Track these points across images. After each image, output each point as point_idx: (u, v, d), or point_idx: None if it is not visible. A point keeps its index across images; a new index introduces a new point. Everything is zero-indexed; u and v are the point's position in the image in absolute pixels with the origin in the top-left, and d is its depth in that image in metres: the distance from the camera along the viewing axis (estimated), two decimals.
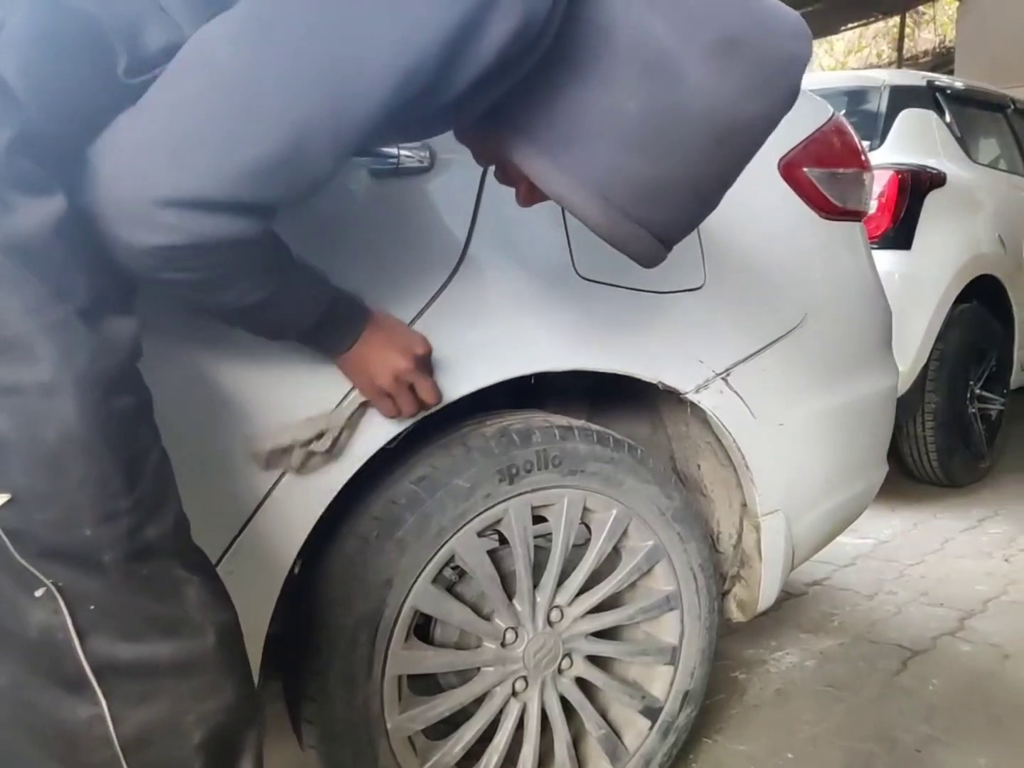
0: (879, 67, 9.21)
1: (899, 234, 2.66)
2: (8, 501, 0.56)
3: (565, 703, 1.22)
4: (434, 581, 1.08)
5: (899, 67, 8.35)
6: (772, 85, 0.70)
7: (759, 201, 1.30)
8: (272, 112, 0.61)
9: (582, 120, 0.67)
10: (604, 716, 1.29)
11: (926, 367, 2.78)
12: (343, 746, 1.03)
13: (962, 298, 2.90)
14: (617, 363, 1.14)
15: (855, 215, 1.46)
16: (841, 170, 1.42)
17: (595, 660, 1.26)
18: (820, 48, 11.53)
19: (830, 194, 1.39)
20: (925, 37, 9.95)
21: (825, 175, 1.39)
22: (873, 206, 2.61)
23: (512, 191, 0.84)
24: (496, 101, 0.69)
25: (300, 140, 0.61)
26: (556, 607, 1.19)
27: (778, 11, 0.71)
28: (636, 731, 1.28)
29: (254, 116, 0.61)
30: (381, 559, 1.02)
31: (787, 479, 1.33)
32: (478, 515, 1.08)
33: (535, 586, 1.17)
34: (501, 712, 1.17)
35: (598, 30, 0.66)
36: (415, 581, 1.05)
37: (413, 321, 0.96)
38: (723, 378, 1.22)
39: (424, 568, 1.05)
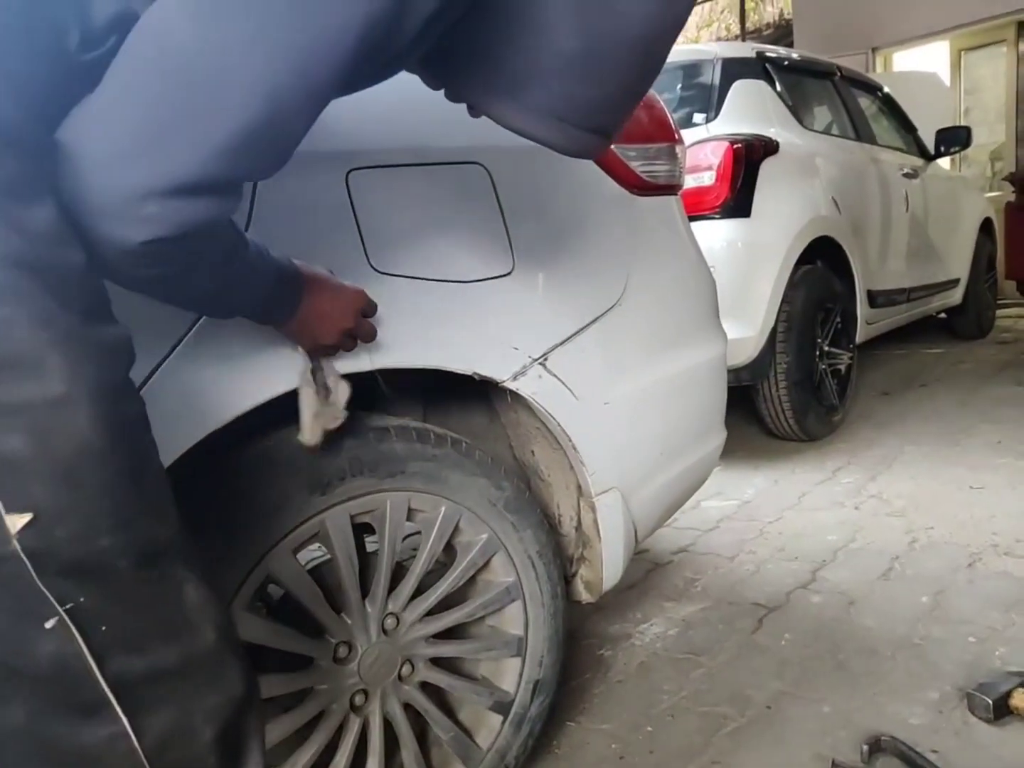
0: (727, 40, 9.54)
1: (738, 203, 2.74)
2: (30, 521, 0.55)
3: (415, 710, 1.19)
4: (250, 607, 1.02)
5: (742, 40, 8.66)
6: None
7: (566, 182, 1.28)
8: (242, 85, 0.59)
9: (533, 63, 0.71)
10: (456, 717, 1.27)
11: (774, 329, 2.89)
12: None
13: (804, 260, 3.02)
14: (426, 358, 1.10)
15: (669, 189, 1.47)
16: (650, 145, 1.43)
17: (440, 662, 1.23)
18: None
19: (640, 170, 1.39)
20: (769, 10, 10.37)
21: (634, 151, 1.39)
22: (710, 177, 2.68)
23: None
24: (452, 56, 0.73)
25: (273, 108, 0.60)
26: (391, 614, 1.15)
27: None
28: (488, 728, 1.26)
29: (224, 92, 0.59)
30: None
31: (618, 457, 1.33)
32: (290, 532, 1.03)
33: (365, 595, 1.13)
34: (341, 729, 1.13)
35: None
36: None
37: (191, 328, 0.89)
38: (541, 363, 1.20)
39: (235, 595, 0.99)
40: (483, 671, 1.29)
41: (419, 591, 1.18)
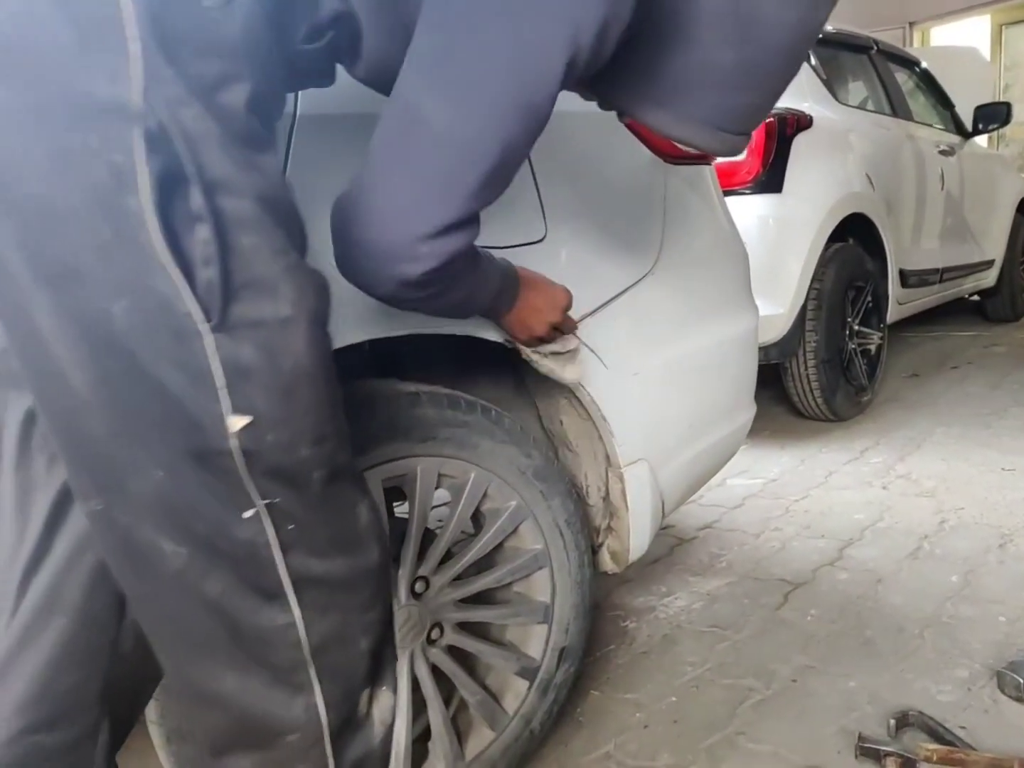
0: None
1: (770, 178, 2.70)
2: (249, 424, 0.63)
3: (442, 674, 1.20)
4: None
5: None
6: None
7: (599, 149, 1.27)
8: (482, 144, 0.73)
9: (689, 77, 0.80)
10: (483, 681, 1.28)
11: (804, 307, 2.85)
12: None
13: (836, 237, 2.98)
14: (457, 325, 1.10)
15: (702, 158, 1.45)
16: None
17: (468, 626, 1.24)
18: None
19: None
20: None
21: None
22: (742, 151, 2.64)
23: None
24: (617, 73, 0.81)
25: (506, 155, 0.75)
26: (420, 578, 1.16)
27: None
28: (515, 693, 1.27)
29: (469, 152, 0.73)
30: None
31: (647, 428, 1.32)
32: None
33: (395, 559, 1.14)
34: None
35: (691, 4, 0.77)
36: None
37: None
38: None
39: None
40: (510, 637, 1.30)
41: (448, 556, 1.19)
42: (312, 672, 0.71)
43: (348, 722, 0.75)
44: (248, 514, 0.65)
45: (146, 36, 0.57)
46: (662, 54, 0.79)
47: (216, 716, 0.71)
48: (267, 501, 0.65)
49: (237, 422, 0.62)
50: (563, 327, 1.10)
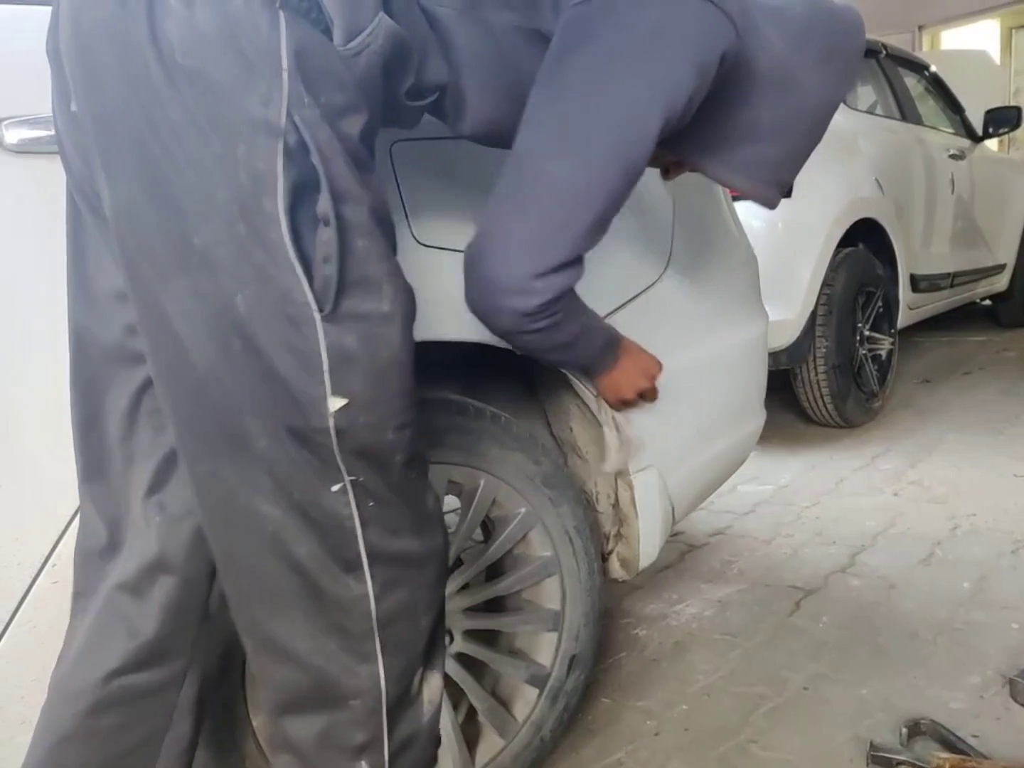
0: None
1: None
2: (345, 405, 0.70)
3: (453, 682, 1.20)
4: None
5: None
6: (851, 70, 1.00)
7: None
8: (592, 195, 0.87)
9: (734, 130, 0.98)
10: (493, 688, 1.28)
11: (814, 312, 2.84)
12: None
13: (846, 242, 2.97)
14: (469, 332, 1.10)
15: None
16: None
17: (478, 634, 1.24)
18: None
19: None
20: None
21: None
22: None
23: None
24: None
25: (610, 204, 0.88)
26: None
27: (845, 12, 1.00)
28: (525, 700, 1.27)
29: (580, 202, 0.87)
30: None
31: (656, 435, 1.32)
32: None
33: None
34: None
35: (748, 72, 0.93)
36: None
37: None
38: None
39: None
40: (520, 644, 1.29)
41: (457, 563, 1.20)
42: (377, 643, 0.76)
43: (402, 698, 0.79)
44: (336, 488, 0.72)
45: (292, 68, 0.67)
46: (719, 111, 0.94)
47: (287, 672, 0.77)
48: (352, 478, 0.72)
49: (336, 402, 0.69)
50: (647, 395, 1.18)
